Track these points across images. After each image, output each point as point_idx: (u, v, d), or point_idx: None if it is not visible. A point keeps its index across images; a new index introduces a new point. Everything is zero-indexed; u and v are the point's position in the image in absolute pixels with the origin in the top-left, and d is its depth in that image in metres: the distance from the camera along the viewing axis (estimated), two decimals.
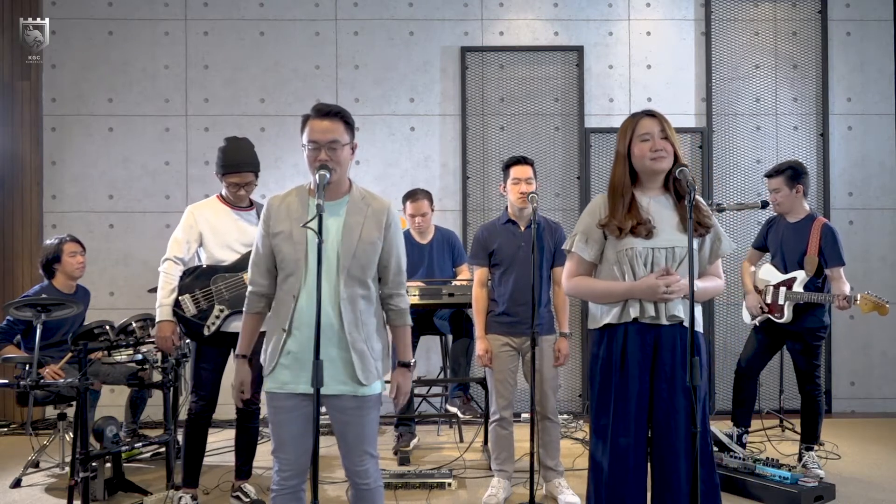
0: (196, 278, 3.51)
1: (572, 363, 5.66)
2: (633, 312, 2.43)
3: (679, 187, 2.48)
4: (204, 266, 3.56)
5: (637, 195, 2.50)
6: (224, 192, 3.63)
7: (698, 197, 2.54)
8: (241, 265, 3.50)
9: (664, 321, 2.42)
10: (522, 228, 3.71)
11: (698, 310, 2.53)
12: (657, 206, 2.48)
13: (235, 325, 3.51)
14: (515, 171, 3.68)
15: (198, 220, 3.56)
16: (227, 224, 3.57)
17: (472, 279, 4.54)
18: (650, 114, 2.49)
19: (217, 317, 3.47)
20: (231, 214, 3.60)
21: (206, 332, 3.47)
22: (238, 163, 3.54)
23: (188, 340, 3.67)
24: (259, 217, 3.60)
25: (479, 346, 3.70)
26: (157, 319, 3.52)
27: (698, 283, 2.48)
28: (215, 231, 3.55)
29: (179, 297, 3.49)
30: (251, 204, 3.69)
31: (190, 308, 3.48)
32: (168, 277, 3.51)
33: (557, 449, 3.75)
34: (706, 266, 2.56)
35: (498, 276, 3.73)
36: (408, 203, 4.75)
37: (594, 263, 2.55)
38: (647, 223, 2.43)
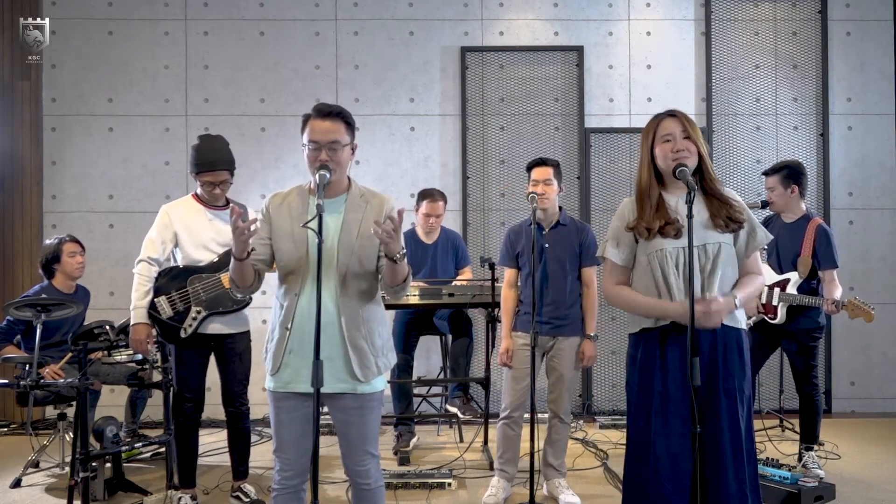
0: (172, 279, 3.47)
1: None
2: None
3: (706, 186, 2.46)
4: (180, 267, 3.51)
5: (664, 196, 2.48)
6: (199, 190, 3.58)
7: (731, 191, 2.54)
8: (218, 266, 3.45)
9: None
10: (547, 229, 3.71)
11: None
12: (685, 205, 2.45)
13: (213, 327, 3.49)
14: (534, 173, 3.69)
15: (173, 220, 3.50)
16: (203, 224, 3.52)
17: (475, 279, 4.58)
18: (672, 114, 2.48)
19: (194, 318, 3.43)
20: (206, 214, 3.54)
21: (182, 335, 3.43)
22: (212, 161, 3.47)
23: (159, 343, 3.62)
24: None
25: (502, 346, 3.72)
26: (132, 322, 3.46)
27: (740, 294, 2.45)
28: (190, 231, 3.50)
29: (155, 299, 3.44)
30: (227, 203, 3.62)
31: (166, 310, 3.44)
32: (142, 279, 3.46)
33: (564, 450, 3.75)
34: (743, 260, 2.52)
35: (524, 276, 3.73)
36: (424, 202, 4.71)
37: (628, 268, 2.54)
38: (676, 222, 2.41)
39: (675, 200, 2.47)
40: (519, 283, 3.78)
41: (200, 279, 3.45)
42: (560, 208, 3.75)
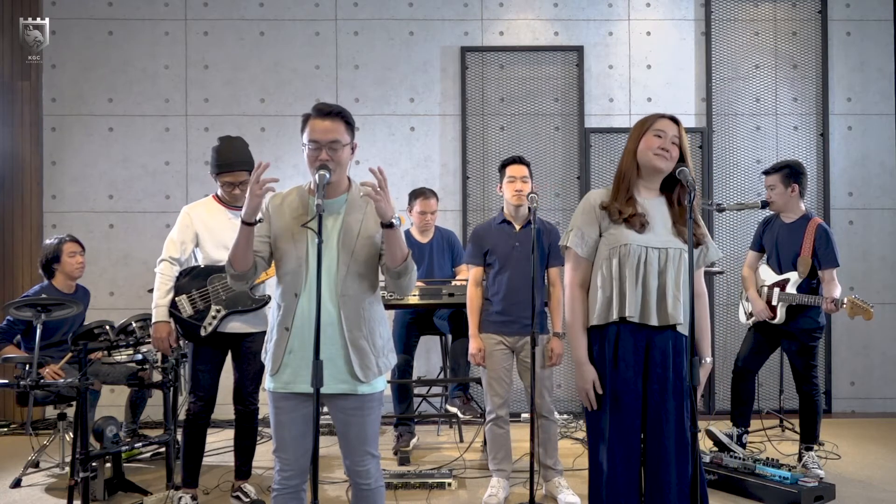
0: (193, 279, 3.51)
1: (571, 362, 5.65)
2: (616, 312, 2.42)
3: (680, 197, 2.48)
4: (200, 266, 3.55)
5: (634, 193, 2.50)
6: (219, 191, 3.62)
7: (698, 215, 2.54)
8: None
9: (654, 322, 2.41)
10: (518, 228, 3.72)
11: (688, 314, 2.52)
12: (652, 206, 2.49)
13: (233, 326, 3.52)
14: (511, 170, 3.71)
15: (193, 221, 3.55)
16: (223, 224, 3.56)
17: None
18: (673, 118, 2.49)
19: (214, 317, 3.46)
20: (226, 214, 3.58)
21: (203, 333, 3.46)
22: (232, 162, 3.52)
23: (184, 341, 3.66)
24: None
25: (472, 345, 3.71)
26: (154, 320, 3.51)
27: (707, 351, 2.55)
28: (211, 231, 3.54)
29: (176, 298, 3.48)
30: None
31: (187, 309, 3.47)
32: (164, 278, 3.50)
33: (555, 447, 3.75)
34: (693, 271, 2.55)
35: (492, 275, 3.74)
36: (418, 200, 4.77)
37: (591, 261, 2.54)
38: (642, 216, 2.44)
39: (643, 199, 2.50)
40: (485, 283, 3.79)
41: (220, 278, 3.48)
42: (529, 209, 3.76)
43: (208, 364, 3.52)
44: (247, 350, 3.59)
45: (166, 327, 3.49)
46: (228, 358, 3.64)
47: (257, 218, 2.35)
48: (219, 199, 3.62)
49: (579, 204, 2.60)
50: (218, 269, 3.50)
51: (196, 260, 3.61)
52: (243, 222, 2.32)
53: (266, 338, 2.49)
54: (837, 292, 3.96)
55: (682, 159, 2.46)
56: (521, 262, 3.63)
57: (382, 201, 2.26)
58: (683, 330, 2.45)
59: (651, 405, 2.42)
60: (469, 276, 3.82)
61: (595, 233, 2.51)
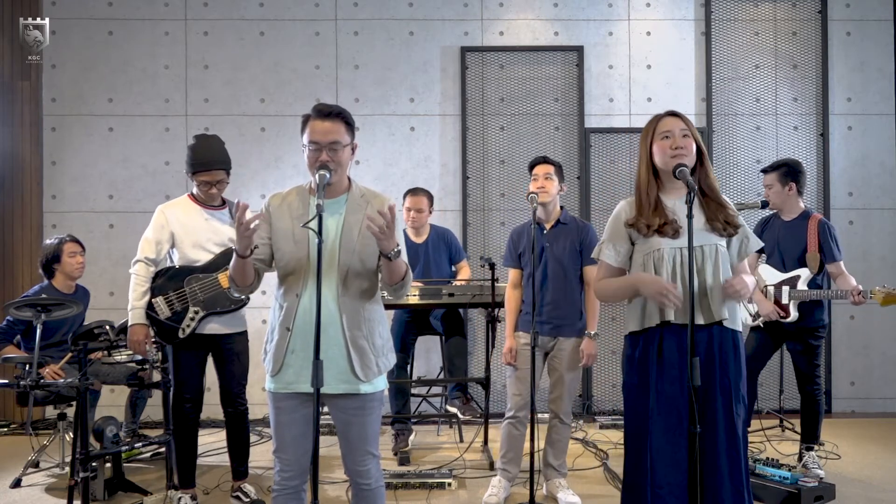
0: (169, 279, 3.46)
1: None
2: (654, 318, 2.42)
3: (704, 188, 2.48)
4: (176, 267, 3.50)
5: (661, 197, 2.49)
6: (195, 190, 3.58)
7: (725, 197, 2.54)
8: (214, 265, 3.46)
9: (699, 321, 2.39)
10: (548, 228, 3.71)
11: (734, 307, 2.50)
12: (680, 208, 2.45)
13: (211, 327, 3.48)
14: (536, 169, 3.71)
15: (169, 220, 3.50)
16: (199, 223, 3.52)
17: (474, 279, 4.58)
18: (672, 113, 2.49)
19: (192, 318, 3.43)
20: (203, 214, 3.54)
21: (181, 335, 3.42)
22: (208, 160, 3.47)
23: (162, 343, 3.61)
24: (232, 215, 3.60)
25: (506, 345, 3.71)
26: (130, 322, 3.45)
27: (749, 279, 2.45)
28: (187, 231, 3.49)
29: (152, 300, 3.44)
30: (223, 203, 3.63)
31: (164, 310, 3.43)
32: (139, 279, 3.45)
33: (564, 450, 3.74)
34: (735, 264, 2.53)
35: (527, 276, 3.72)
36: (407, 197, 4.79)
37: (624, 269, 2.54)
38: (674, 223, 2.42)
39: (673, 202, 2.48)
40: (522, 284, 3.78)
41: (197, 279, 3.45)
42: (561, 207, 3.76)
43: (190, 366, 3.49)
44: (229, 352, 3.57)
45: (143, 329, 3.44)
46: (209, 359, 3.60)
47: (253, 247, 2.33)
48: (195, 199, 3.58)
49: (611, 217, 2.59)
50: (195, 270, 3.47)
51: (171, 261, 3.56)
52: (239, 255, 2.31)
53: (265, 338, 2.48)
54: (853, 282, 3.93)
55: (698, 150, 2.46)
56: (551, 263, 3.63)
57: (385, 239, 2.26)
58: (730, 324, 2.44)
59: (698, 403, 2.39)
60: (509, 278, 3.81)
61: (627, 244, 2.51)
